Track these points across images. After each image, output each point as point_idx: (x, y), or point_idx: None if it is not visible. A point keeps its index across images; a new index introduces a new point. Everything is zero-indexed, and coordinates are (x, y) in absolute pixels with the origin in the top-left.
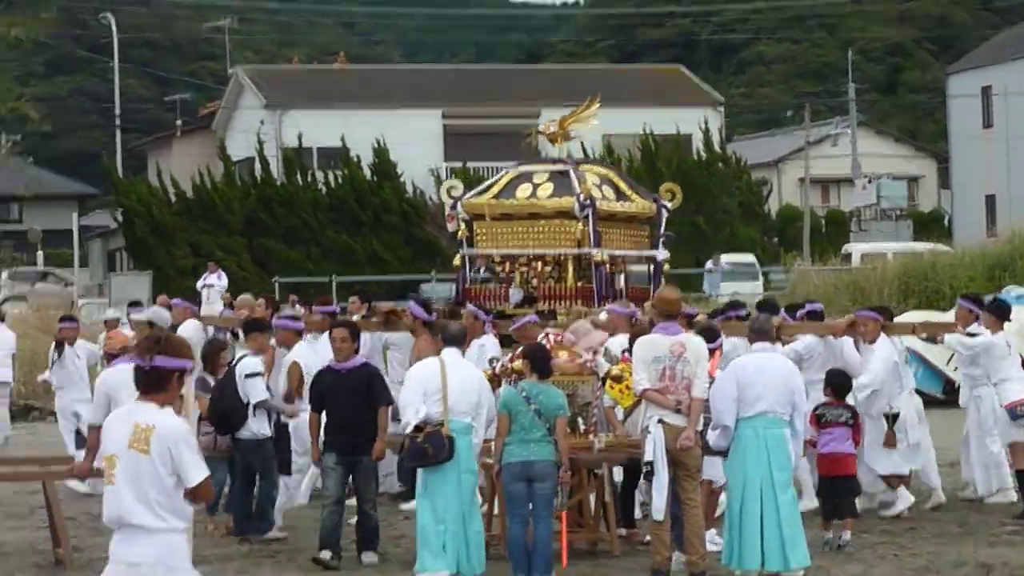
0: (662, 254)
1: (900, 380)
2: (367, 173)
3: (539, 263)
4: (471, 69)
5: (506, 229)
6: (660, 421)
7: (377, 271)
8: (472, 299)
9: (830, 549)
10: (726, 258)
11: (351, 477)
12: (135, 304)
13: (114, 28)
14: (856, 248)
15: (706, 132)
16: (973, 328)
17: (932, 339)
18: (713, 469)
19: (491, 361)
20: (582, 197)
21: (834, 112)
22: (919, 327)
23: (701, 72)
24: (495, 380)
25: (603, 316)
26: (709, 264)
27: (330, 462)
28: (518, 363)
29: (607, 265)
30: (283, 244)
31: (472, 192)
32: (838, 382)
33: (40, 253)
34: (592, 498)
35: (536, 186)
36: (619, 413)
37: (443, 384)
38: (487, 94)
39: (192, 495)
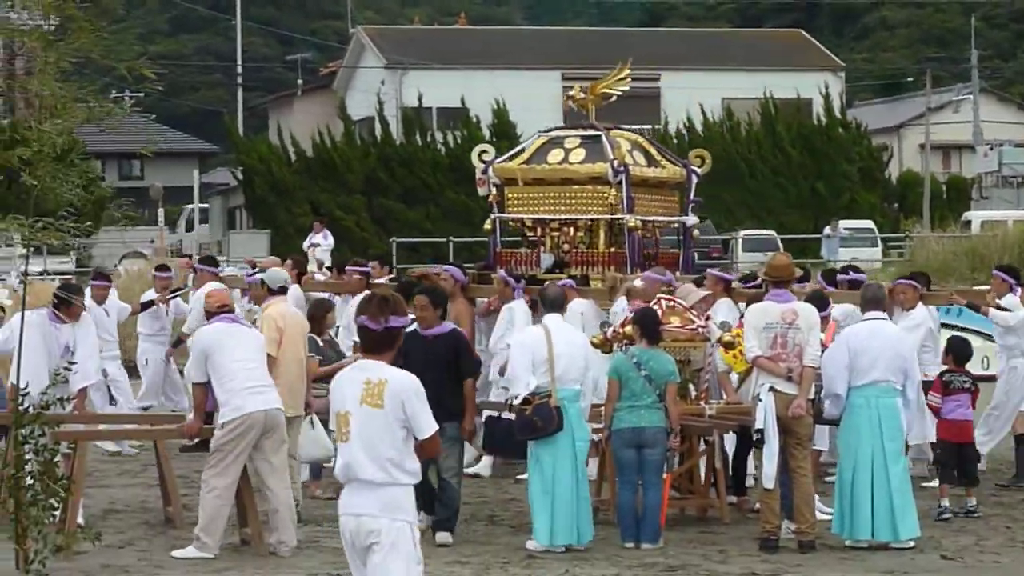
0: (692, 220)
1: (934, 348)
2: (486, 134)
3: (571, 228)
4: (591, 31)
5: (538, 194)
6: (771, 389)
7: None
8: (503, 263)
9: (942, 517)
10: (845, 224)
11: None
12: (162, 268)
13: None
14: (976, 215)
15: (826, 97)
16: (1006, 300)
17: (975, 307)
18: (817, 437)
19: (602, 326)
20: (616, 163)
21: (956, 78)
22: (956, 295)
23: (823, 36)
24: (606, 345)
25: (638, 283)
26: (827, 230)
27: None
28: (629, 328)
29: (640, 231)
30: (402, 204)
31: (504, 157)
32: (959, 349)
33: (161, 210)
34: (702, 465)
35: (568, 151)
36: (734, 379)
37: (550, 353)
38: (607, 56)
39: (422, 448)
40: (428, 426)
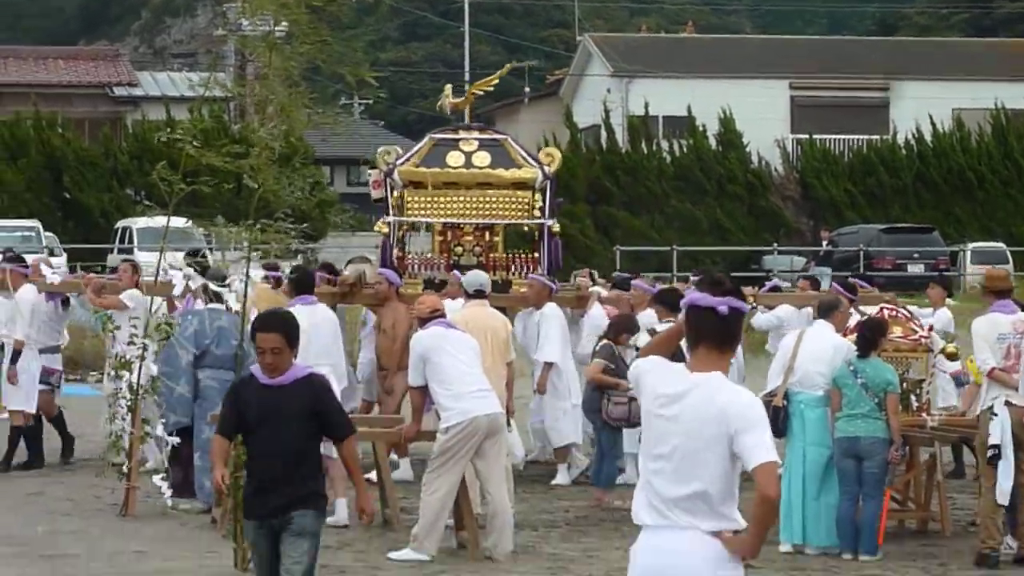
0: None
1: None
2: (712, 142)
3: (487, 233)
4: (820, 40)
5: (448, 198)
6: (1007, 402)
7: (719, 241)
8: (403, 267)
9: None
10: None
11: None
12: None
13: None
14: None
15: None
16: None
17: None
18: None
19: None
20: (547, 169)
21: None
22: None
23: None
24: None
25: (603, 292)
26: None
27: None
28: (853, 337)
29: (558, 236)
30: (627, 212)
31: (402, 159)
32: None
33: None
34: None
35: (468, 155)
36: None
37: (792, 357)
38: (836, 66)
39: None
40: None
